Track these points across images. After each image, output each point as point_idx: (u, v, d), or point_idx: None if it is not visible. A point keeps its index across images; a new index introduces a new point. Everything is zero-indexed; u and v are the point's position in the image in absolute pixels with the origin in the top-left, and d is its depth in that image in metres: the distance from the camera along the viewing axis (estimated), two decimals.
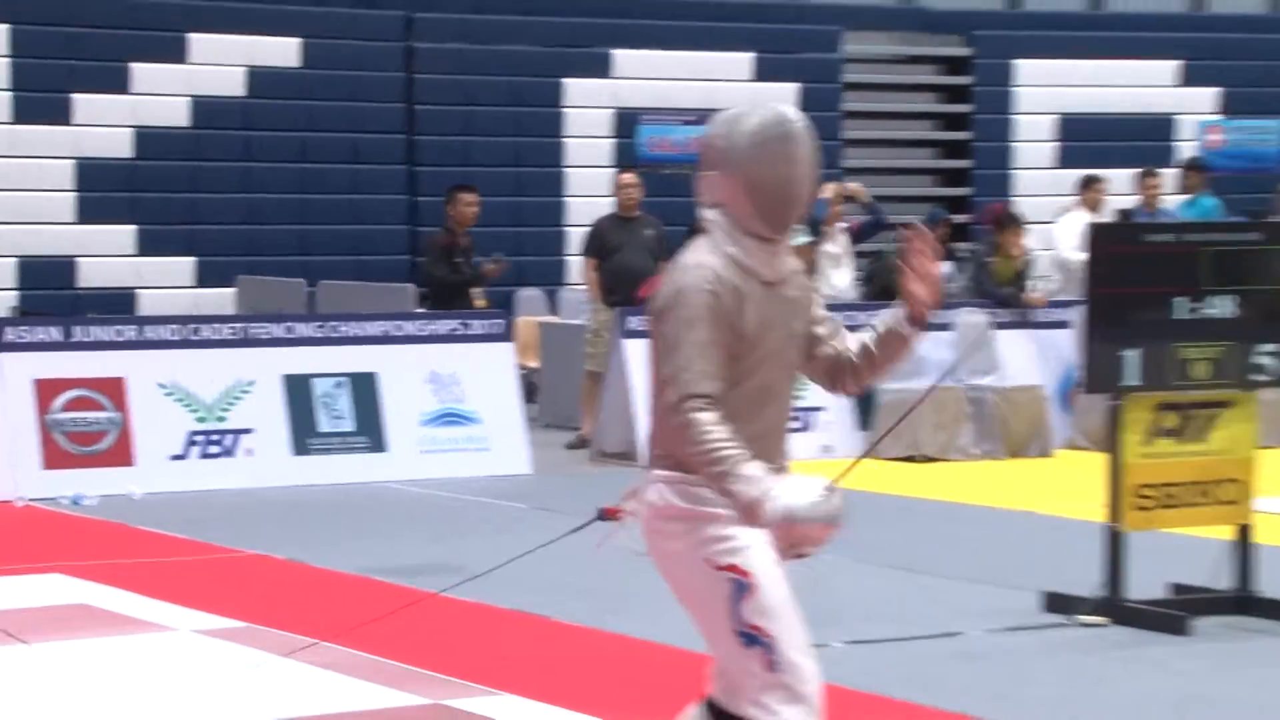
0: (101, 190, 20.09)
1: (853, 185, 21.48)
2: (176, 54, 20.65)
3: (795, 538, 5.19)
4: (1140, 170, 22.04)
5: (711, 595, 5.43)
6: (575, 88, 22.28)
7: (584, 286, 19.13)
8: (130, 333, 16.77)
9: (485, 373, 17.42)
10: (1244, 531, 11.57)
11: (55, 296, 19.26)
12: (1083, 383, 13.10)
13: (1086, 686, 10.08)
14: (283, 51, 21.16)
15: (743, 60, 23.00)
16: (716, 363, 5.32)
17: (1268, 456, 12.56)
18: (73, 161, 19.83)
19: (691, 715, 5.74)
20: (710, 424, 5.23)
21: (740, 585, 5.35)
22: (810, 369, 5.87)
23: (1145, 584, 11.36)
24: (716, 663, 5.65)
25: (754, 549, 5.36)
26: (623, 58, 22.43)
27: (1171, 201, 22.60)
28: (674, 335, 5.28)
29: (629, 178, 19.61)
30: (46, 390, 15.95)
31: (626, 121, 22.70)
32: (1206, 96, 25.67)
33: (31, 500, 15.66)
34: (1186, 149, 24.87)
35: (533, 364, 19.46)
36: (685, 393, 5.22)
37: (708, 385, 5.23)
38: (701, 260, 5.35)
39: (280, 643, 10.23)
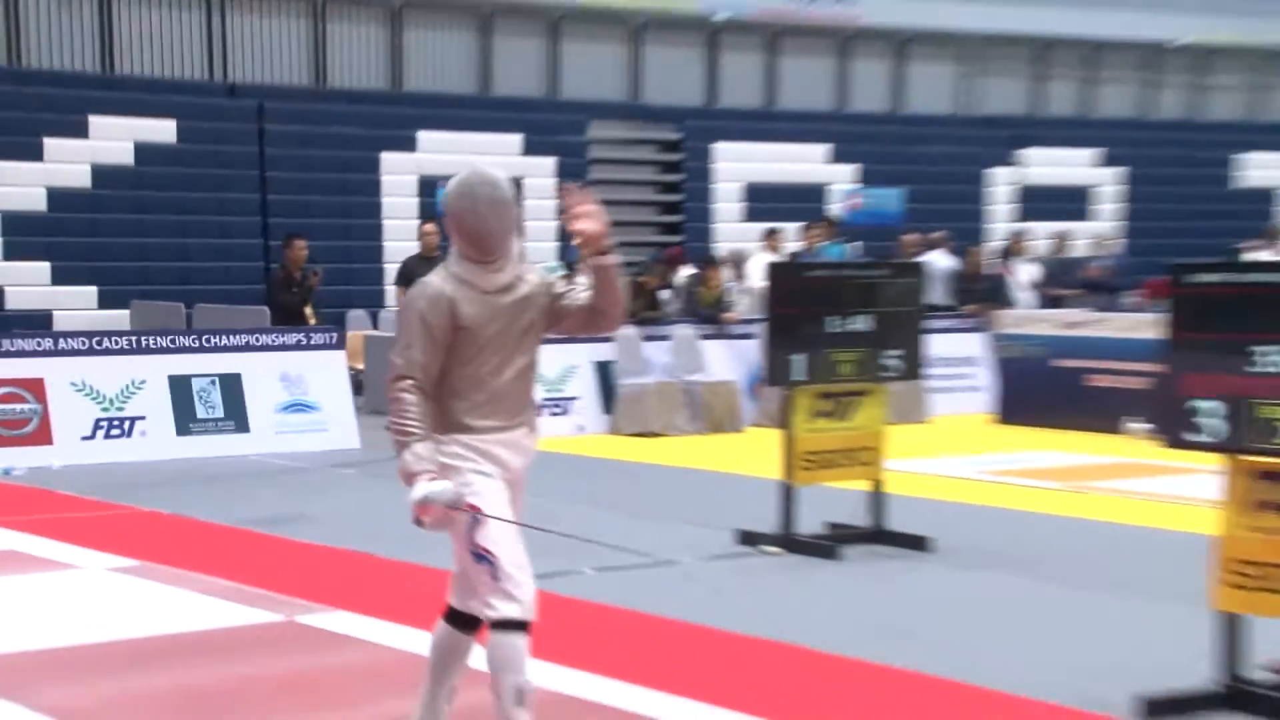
0: (22, 235, 21.11)
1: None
2: (80, 131, 21.60)
3: (427, 510, 6.33)
4: (804, 224, 23.75)
5: (457, 526, 6.50)
6: (389, 159, 23.67)
7: (396, 308, 18.76)
8: (47, 344, 17.98)
9: (323, 373, 19.05)
10: (877, 484, 13.04)
11: None
12: (764, 378, 14.86)
13: (769, 595, 11.39)
14: (164, 130, 22.17)
15: (514, 140, 24.33)
16: (426, 355, 6.45)
17: (894, 431, 13.71)
18: None
19: (439, 626, 6.85)
20: (410, 403, 6.43)
21: (475, 519, 6.43)
22: (568, 327, 6.98)
23: (809, 523, 12.72)
24: (456, 574, 6.77)
25: (486, 494, 6.51)
26: (425, 137, 23.67)
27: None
28: (399, 332, 6.69)
29: (430, 227, 21.09)
30: None
31: (427, 185, 22.96)
32: (847, 171, 27.59)
33: None
34: (834, 209, 26.47)
35: (359, 366, 20.93)
36: (397, 374, 6.47)
37: (415, 371, 6.43)
38: (429, 280, 6.62)
39: (169, 576, 11.35)
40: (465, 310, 6.38)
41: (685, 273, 23.42)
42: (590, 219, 6.50)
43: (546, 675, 8.19)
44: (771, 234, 23.35)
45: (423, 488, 6.19)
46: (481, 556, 6.36)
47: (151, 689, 8.47)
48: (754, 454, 15.95)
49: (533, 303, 6.62)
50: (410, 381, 6.35)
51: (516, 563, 6.42)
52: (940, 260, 24.47)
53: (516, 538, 6.50)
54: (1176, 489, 14.17)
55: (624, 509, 14.37)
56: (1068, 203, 29.20)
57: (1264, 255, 23.28)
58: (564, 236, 23.25)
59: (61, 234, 21.71)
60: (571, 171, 24.58)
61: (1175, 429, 8.38)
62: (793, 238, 23.61)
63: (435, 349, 6.37)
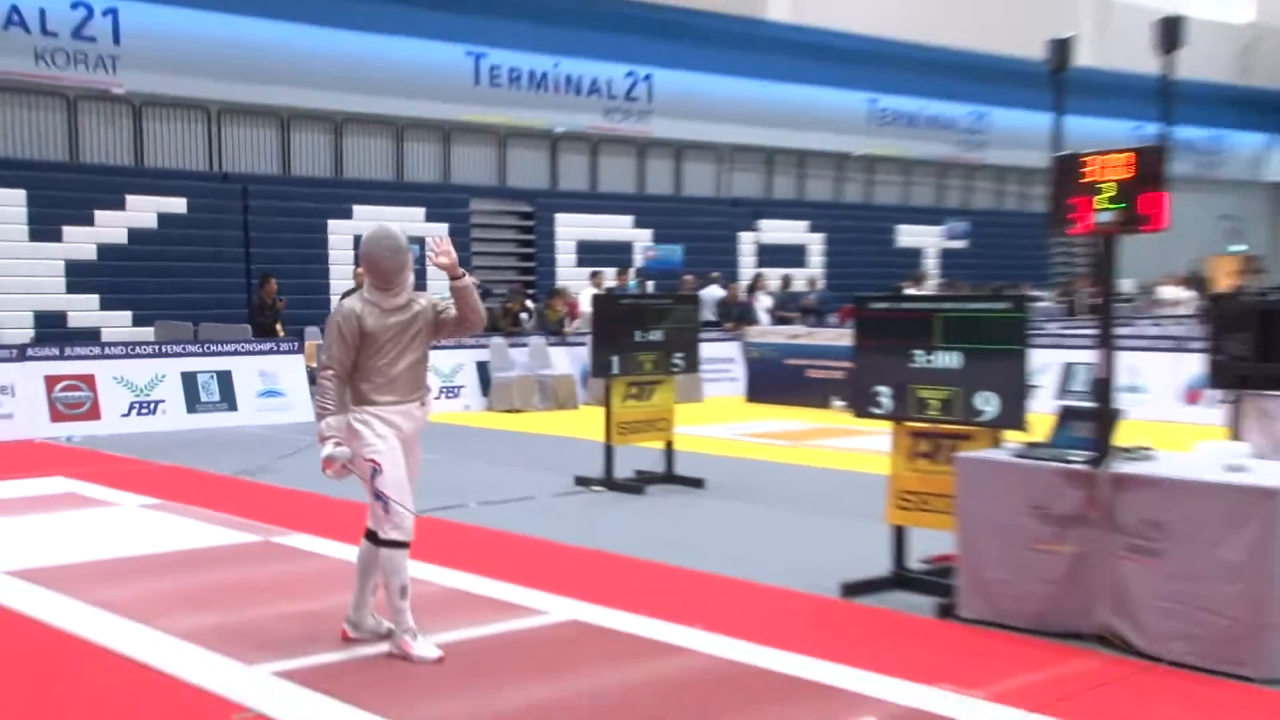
0: (80, 277, 20.40)
1: (470, 276, 24.36)
2: (120, 205, 20.89)
3: (330, 464, 6.60)
4: (617, 269, 23.73)
5: (364, 473, 6.68)
6: (334, 224, 23.04)
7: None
8: (96, 350, 17.68)
9: (289, 369, 18.80)
10: (668, 444, 12.87)
11: (52, 333, 19.43)
12: (592, 372, 14.21)
13: (596, 519, 11.32)
14: (178, 204, 21.49)
15: (419, 212, 23.76)
16: (342, 353, 6.59)
17: (679, 408, 13.50)
18: (63, 262, 20.20)
19: (363, 543, 6.92)
20: (329, 388, 6.68)
21: (375, 469, 6.63)
22: (447, 333, 7.02)
23: (623, 470, 12.57)
24: (370, 508, 6.78)
25: (385, 452, 6.67)
26: (358, 210, 22.86)
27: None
28: (325, 338, 6.85)
29: (360, 270, 19.26)
30: (51, 381, 16.71)
31: (359, 242, 23.41)
32: (645, 234, 27.04)
33: (43, 439, 16.17)
34: (636, 260, 26.29)
35: (313, 364, 18.74)
36: (323, 365, 6.77)
37: (335, 364, 6.61)
38: (345, 302, 6.78)
39: (181, 510, 11.22)
40: (368, 322, 6.55)
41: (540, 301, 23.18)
42: (446, 256, 6.68)
43: (440, 576, 8.50)
44: (595, 275, 23.16)
45: (327, 449, 6.58)
46: (378, 497, 6.61)
47: (171, 588, 8.42)
48: (585, 424, 15.61)
49: (421, 316, 6.77)
50: (331, 371, 6.61)
51: (402, 502, 6.62)
52: (714, 292, 24.63)
53: (403, 483, 6.69)
54: (863, 445, 14.15)
55: (497, 462, 14.16)
56: (790, 256, 29.18)
57: (914, 291, 23.68)
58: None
59: (107, 275, 21.01)
60: (458, 234, 24.18)
61: (862, 405, 8.55)
62: (610, 278, 23.25)
63: (347, 348, 6.55)
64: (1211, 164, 39.20)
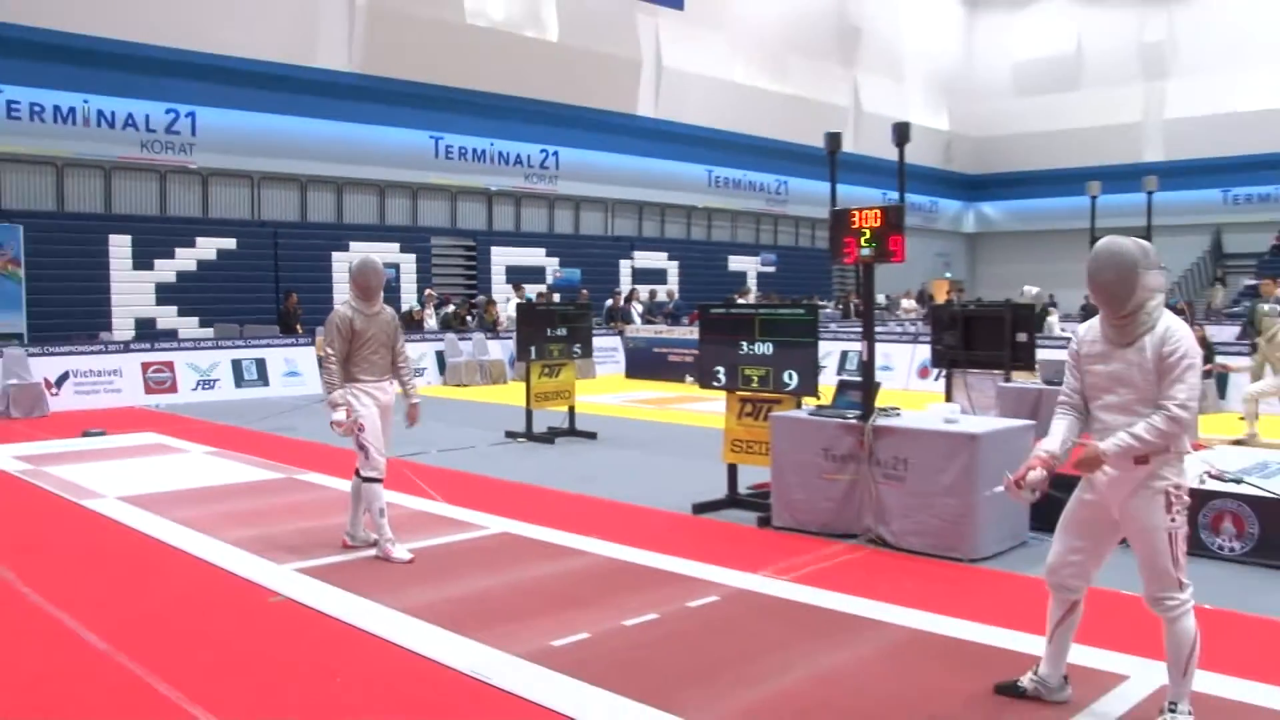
0: (165, 294, 20.04)
1: (430, 291, 22.43)
2: (191, 244, 20.59)
3: (339, 425, 6.54)
4: (539, 289, 23.85)
5: (352, 429, 6.60)
6: (336, 255, 22.31)
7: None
8: (174, 344, 17.42)
9: (305, 357, 18.11)
10: (571, 409, 12.53)
11: (146, 333, 19.09)
12: (517, 358, 13.94)
13: (521, 462, 11.14)
14: (230, 243, 21.06)
15: (395, 246, 23.37)
16: (339, 346, 6.52)
17: (579, 383, 13.31)
18: (154, 284, 19.91)
19: (355, 478, 6.83)
20: (333, 371, 6.56)
21: (360, 427, 6.57)
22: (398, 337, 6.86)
23: (539, 426, 12.31)
24: (359, 454, 6.70)
25: (366, 416, 6.63)
26: (353, 245, 22.41)
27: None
28: (327, 335, 6.60)
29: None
30: (145, 366, 16.35)
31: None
32: (554, 261, 26.47)
33: (140, 406, 15.73)
34: (548, 280, 25.81)
35: (321, 354, 20.73)
36: (328, 354, 6.56)
37: (336, 354, 6.52)
38: (339, 309, 6.65)
39: (233, 456, 10.99)
40: (357, 324, 6.57)
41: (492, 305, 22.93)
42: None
43: (410, 502, 8.40)
44: (517, 288, 22.99)
45: (337, 414, 6.57)
46: (361, 446, 6.62)
47: (225, 509, 8.28)
48: (512, 395, 15.33)
49: (389, 321, 6.78)
50: (334, 358, 6.55)
51: (378, 449, 6.67)
52: (613, 302, 24.57)
53: (379, 437, 6.71)
54: (707, 408, 14.23)
55: (450, 422, 13.76)
56: (655, 277, 28.96)
57: (741, 301, 23.72)
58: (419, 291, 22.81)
59: (182, 293, 20.65)
60: (422, 262, 24.23)
61: (706, 380, 8.50)
62: (529, 293, 23.09)
63: (343, 343, 6.56)
64: (930, 219, 39.82)
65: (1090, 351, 4.01)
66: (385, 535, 6.67)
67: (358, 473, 6.79)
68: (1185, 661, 3.82)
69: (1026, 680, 4.32)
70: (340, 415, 6.56)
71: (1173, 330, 3.83)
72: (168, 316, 20.62)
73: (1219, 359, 14.13)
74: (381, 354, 6.72)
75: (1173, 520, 3.85)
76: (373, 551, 6.80)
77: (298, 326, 19.83)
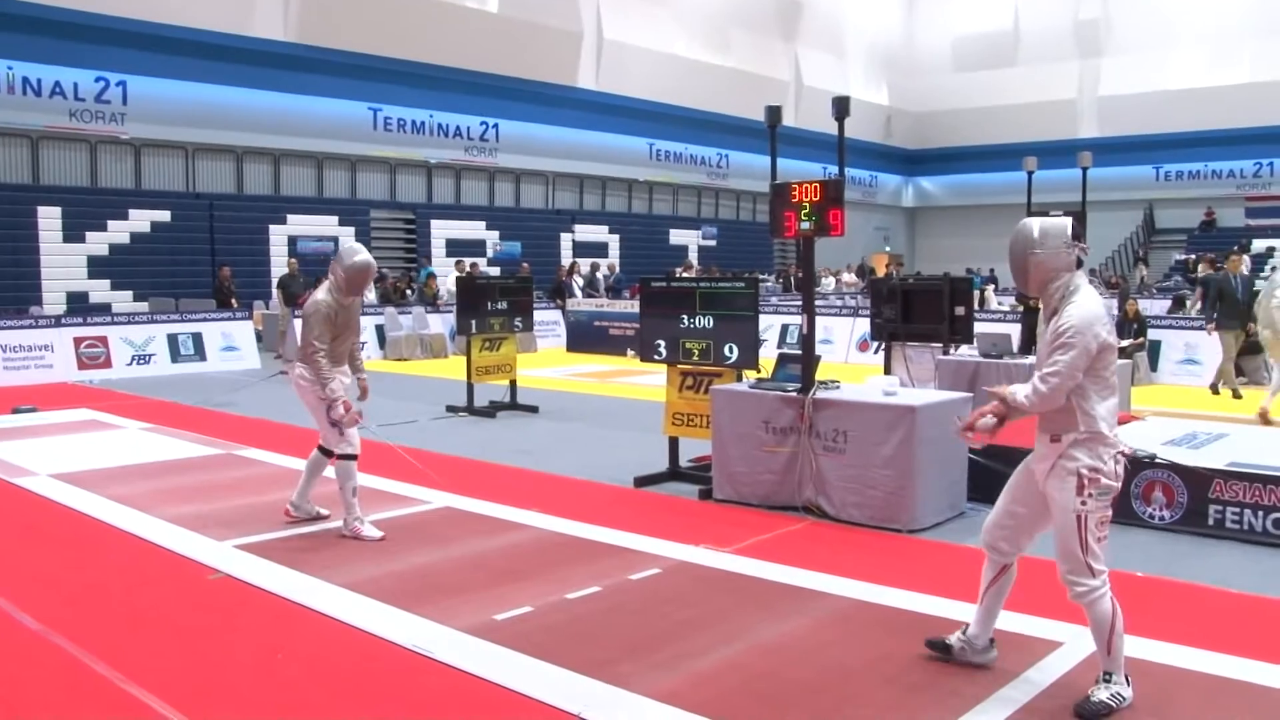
0: (98, 267, 19.90)
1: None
2: (124, 216, 20.33)
3: (349, 415, 6.43)
4: (472, 261, 23.50)
5: (320, 408, 6.52)
6: (274, 229, 22.32)
7: (278, 309, 19.21)
8: (109, 319, 16.90)
9: (241, 331, 17.95)
10: (512, 382, 12.48)
11: (78, 307, 18.84)
12: (458, 331, 13.80)
13: (462, 436, 11.07)
14: (165, 215, 20.84)
15: (334, 219, 23.28)
16: (326, 335, 6.38)
17: (520, 356, 13.35)
18: (85, 256, 19.85)
19: (314, 454, 6.82)
20: (323, 364, 6.39)
21: (330, 405, 6.45)
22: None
23: (480, 400, 12.26)
24: (321, 432, 6.69)
25: (337, 393, 6.45)
26: (291, 218, 22.51)
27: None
28: (311, 326, 6.42)
29: (293, 262, 19.75)
30: (78, 341, 15.99)
31: (292, 240, 22.53)
32: (495, 234, 26.53)
33: (73, 382, 15.40)
34: (488, 253, 26.16)
35: (260, 328, 19.34)
36: (315, 348, 6.38)
37: (322, 345, 6.39)
38: (323, 299, 6.44)
39: (169, 432, 10.81)
40: (339, 318, 6.47)
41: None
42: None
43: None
44: (458, 263, 22.79)
45: (336, 410, 6.46)
46: (335, 424, 6.49)
47: (162, 486, 8.14)
48: (453, 368, 15.31)
49: (359, 310, 6.72)
50: (321, 351, 6.42)
51: (352, 426, 6.54)
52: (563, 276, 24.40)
53: (352, 413, 6.56)
54: (648, 381, 14.04)
55: (391, 396, 13.51)
56: (596, 250, 28.99)
57: (682, 274, 23.71)
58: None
59: (116, 266, 20.47)
60: (361, 235, 23.87)
61: (647, 353, 8.50)
62: (469, 266, 22.69)
63: (334, 330, 6.46)
64: (869, 194, 40.28)
65: (1042, 329, 4.17)
66: (355, 514, 6.57)
67: (321, 448, 6.72)
68: (1108, 641, 3.90)
69: (954, 639, 4.40)
70: (341, 410, 6.46)
71: (1071, 310, 3.90)
72: (100, 290, 20.30)
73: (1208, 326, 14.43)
74: (349, 342, 6.65)
75: (1083, 503, 3.87)
76: (315, 526, 6.75)
77: (233, 300, 19.59)
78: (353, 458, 6.57)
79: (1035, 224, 4.01)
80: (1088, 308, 3.89)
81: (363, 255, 6.56)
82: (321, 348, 6.39)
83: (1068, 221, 4.02)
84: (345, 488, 6.52)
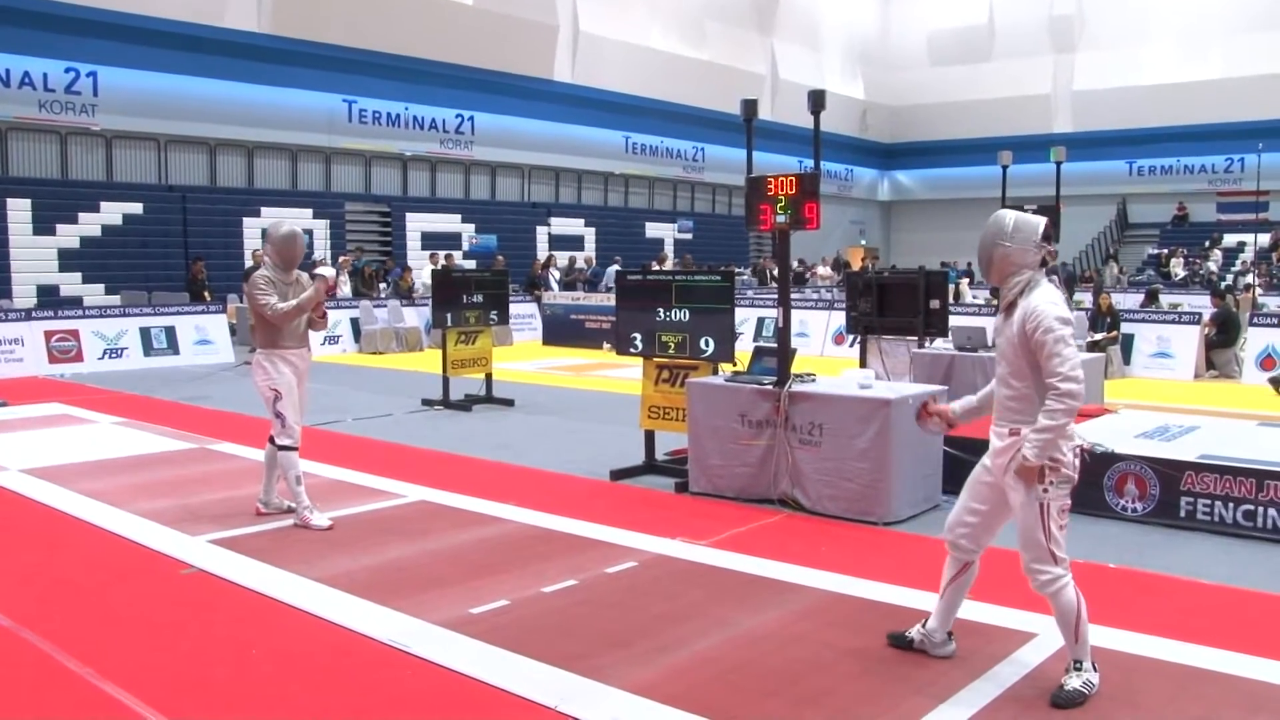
0: (69, 260, 19.65)
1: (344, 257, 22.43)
2: (95, 209, 20.01)
3: (328, 283, 6.54)
4: (446, 253, 22.87)
5: (267, 397, 6.56)
6: (248, 221, 21.98)
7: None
8: (79, 312, 16.89)
9: (215, 324, 17.85)
10: (488, 375, 12.50)
11: (49, 300, 18.69)
12: (433, 325, 14.05)
13: (438, 429, 11.08)
14: (137, 208, 20.58)
15: (308, 212, 22.79)
16: (271, 290, 6.39)
17: (496, 349, 13.43)
18: (56, 249, 19.54)
19: (268, 446, 6.78)
20: (282, 305, 6.35)
21: (276, 395, 6.51)
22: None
23: (456, 393, 12.25)
24: (273, 422, 6.63)
25: (282, 383, 6.52)
26: (265, 210, 22.02)
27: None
28: (256, 293, 6.41)
29: (259, 251, 21.60)
30: (49, 335, 15.88)
31: (264, 232, 21.04)
32: (470, 227, 26.37)
33: (44, 376, 15.28)
34: (464, 246, 25.90)
35: (233, 321, 19.00)
36: (265, 304, 6.37)
37: (270, 299, 6.36)
38: (259, 273, 6.48)
39: (142, 426, 10.75)
40: (286, 292, 6.51)
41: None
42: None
43: (327, 471, 8.27)
44: (433, 256, 22.61)
45: (321, 286, 6.61)
46: (278, 414, 6.54)
47: (135, 481, 8.10)
48: (428, 362, 15.18)
49: (304, 287, 6.64)
50: (274, 299, 6.44)
51: (295, 418, 6.59)
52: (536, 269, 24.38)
53: (295, 404, 6.61)
54: (624, 374, 14.26)
55: (366, 390, 13.67)
56: (572, 244, 28.96)
57: (657, 267, 23.82)
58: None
59: (87, 259, 20.29)
60: (336, 228, 23.82)
61: (623, 346, 8.48)
62: (444, 259, 22.36)
63: (278, 290, 6.49)
64: (845, 187, 40.40)
65: (997, 324, 4.17)
66: (303, 503, 6.61)
67: (272, 440, 6.73)
68: (1074, 630, 3.95)
69: (915, 632, 4.47)
70: (310, 292, 6.52)
71: (1034, 307, 3.92)
72: (71, 283, 20.11)
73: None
74: (300, 322, 6.63)
75: (1044, 490, 3.91)
76: (289, 520, 6.73)
77: (205, 294, 19.42)
78: (291, 449, 6.61)
79: (1010, 217, 4.05)
80: (1052, 299, 3.95)
81: (287, 225, 6.69)
82: (273, 301, 6.43)
83: (1042, 221, 4.06)
84: (288, 477, 6.61)
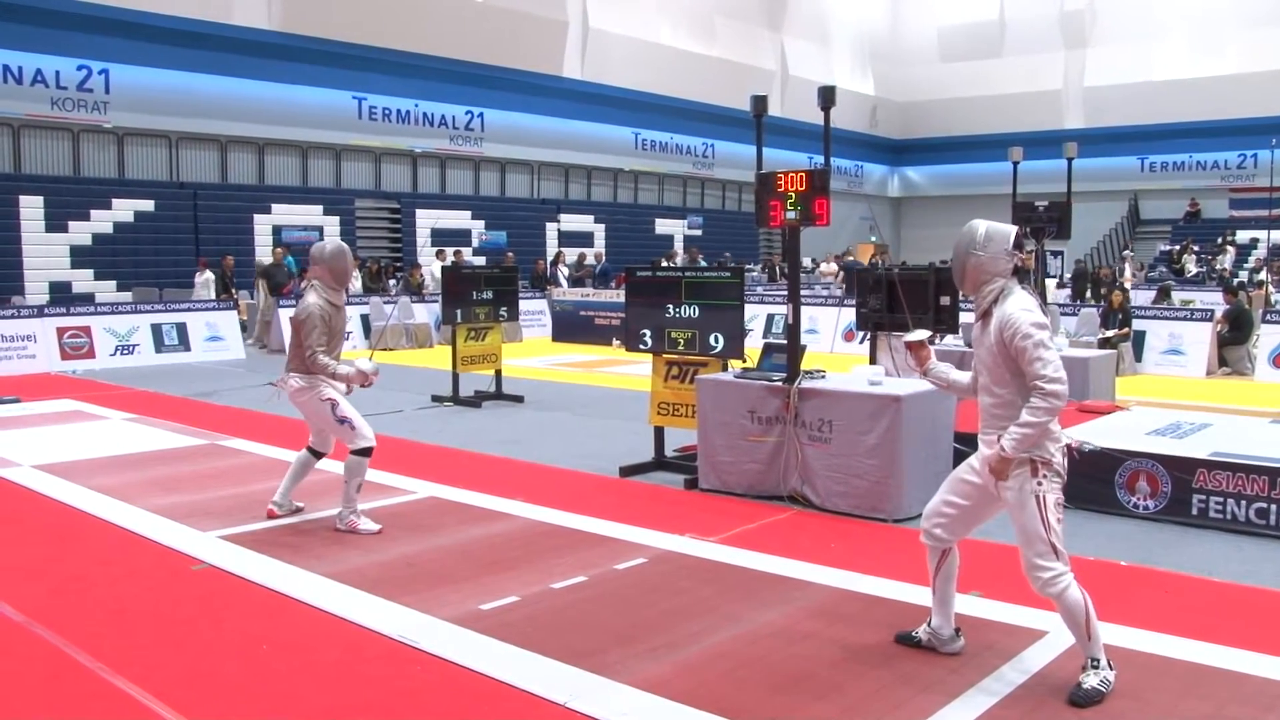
0: (81, 257, 19.75)
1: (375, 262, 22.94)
2: (107, 205, 19.94)
3: (367, 379, 6.30)
4: (455, 249, 23.24)
5: (324, 411, 6.41)
6: (259, 218, 22.14)
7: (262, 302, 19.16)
8: (92, 309, 16.92)
9: (226, 321, 17.81)
10: (498, 372, 12.51)
11: (61, 297, 18.78)
12: (443, 321, 13.19)
13: (449, 426, 11.08)
14: (149, 205, 20.71)
15: (319, 209, 23.05)
16: (323, 339, 6.25)
17: (506, 346, 13.31)
18: (68, 246, 19.65)
19: (302, 453, 6.71)
20: (328, 361, 6.26)
21: (332, 403, 6.38)
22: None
23: (466, 390, 12.27)
24: (313, 430, 6.57)
25: (332, 391, 6.40)
26: (276, 207, 22.15)
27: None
28: (308, 330, 6.25)
29: (279, 250, 20.16)
30: (61, 331, 15.91)
31: (277, 229, 22.32)
32: (480, 224, 26.34)
33: (56, 372, 15.33)
34: (474, 243, 26.03)
35: (244, 318, 19.12)
36: (315, 350, 6.24)
37: (319, 347, 6.24)
38: (315, 302, 6.28)
39: (154, 422, 10.77)
40: (334, 321, 6.40)
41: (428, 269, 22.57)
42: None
43: (338, 468, 8.11)
44: (440, 253, 22.68)
45: (356, 382, 6.38)
46: (344, 420, 6.39)
47: (146, 477, 8.12)
48: (438, 358, 15.28)
49: (343, 316, 6.59)
50: (321, 350, 6.23)
51: (363, 423, 6.49)
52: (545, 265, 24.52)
53: (355, 410, 6.49)
54: (633, 370, 14.13)
55: (376, 386, 13.27)
56: (582, 240, 28.81)
57: (666, 264, 23.75)
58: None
59: (99, 255, 20.35)
60: (346, 224, 23.85)
61: (632, 343, 8.49)
62: (452, 255, 22.53)
63: (329, 332, 6.31)
64: (855, 183, 40.37)
65: (975, 334, 4.21)
66: (354, 508, 6.49)
67: (310, 448, 6.67)
68: (1084, 628, 3.95)
69: (921, 632, 4.48)
70: (351, 370, 6.33)
71: (1009, 315, 3.97)
72: (84, 280, 20.18)
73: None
74: (337, 350, 6.49)
75: (1039, 484, 3.96)
76: (298, 516, 6.72)
77: (232, 290, 19.61)
78: (368, 451, 6.44)
79: (981, 226, 4.12)
80: (1025, 305, 3.99)
81: (334, 242, 6.56)
82: (320, 350, 6.29)
83: (1012, 230, 4.14)
84: (351, 482, 6.44)
